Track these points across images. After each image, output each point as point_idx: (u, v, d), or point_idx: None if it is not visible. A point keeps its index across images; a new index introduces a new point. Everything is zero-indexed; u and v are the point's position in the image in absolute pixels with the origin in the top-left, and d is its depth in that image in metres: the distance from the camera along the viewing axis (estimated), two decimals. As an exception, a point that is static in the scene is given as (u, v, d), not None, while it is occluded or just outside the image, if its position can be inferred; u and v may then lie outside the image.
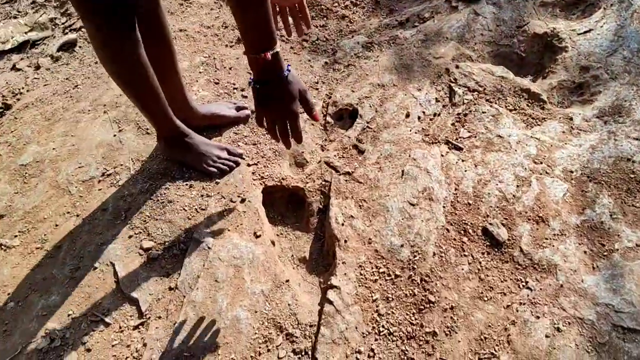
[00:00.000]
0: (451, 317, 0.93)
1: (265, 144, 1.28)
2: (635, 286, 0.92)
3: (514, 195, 1.09)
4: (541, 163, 1.15)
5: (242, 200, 1.13)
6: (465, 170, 1.16)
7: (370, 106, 1.35)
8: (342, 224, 1.08)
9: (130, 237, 1.09)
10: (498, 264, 0.99)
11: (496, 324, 0.91)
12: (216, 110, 1.28)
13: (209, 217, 1.10)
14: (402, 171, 1.16)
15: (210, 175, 1.19)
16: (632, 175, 1.09)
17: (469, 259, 1.00)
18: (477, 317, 0.92)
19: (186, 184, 1.18)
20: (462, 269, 0.99)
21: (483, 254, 1.01)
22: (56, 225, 1.13)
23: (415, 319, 0.93)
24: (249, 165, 1.22)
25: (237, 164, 1.21)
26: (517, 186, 1.11)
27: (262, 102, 0.82)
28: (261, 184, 1.19)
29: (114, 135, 1.31)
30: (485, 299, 0.95)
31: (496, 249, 1.01)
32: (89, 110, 1.41)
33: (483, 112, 1.28)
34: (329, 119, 1.36)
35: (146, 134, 1.31)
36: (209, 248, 1.05)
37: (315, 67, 1.51)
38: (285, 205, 1.24)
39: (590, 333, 0.88)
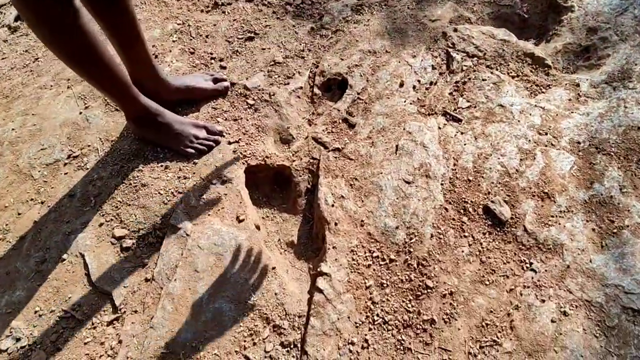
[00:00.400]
0: (450, 303, 0.86)
1: (247, 120, 1.17)
2: (646, 265, 0.86)
3: (517, 170, 1.01)
4: (546, 134, 1.06)
5: (223, 182, 1.04)
6: (465, 144, 1.07)
7: (361, 75, 1.24)
8: (332, 205, 1.00)
9: (101, 225, 1.00)
10: (500, 244, 0.92)
11: (498, 310, 0.85)
12: (191, 83, 1.16)
13: (186, 201, 1.01)
14: (397, 146, 1.07)
15: (187, 156, 1.08)
16: (643, 146, 1.01)
17: (469, 240, 0.93)
18: (478, 302, 0.86)
19: (161, 166, 1.08)
20: (462, 251, 0.92)
21: (484, 234, 0.94)
22: (19, 214, 1.04)
23: (412, 306, 0.87)
24: (229, 143, 1.12)
25: (217, 142, 1.11)
26: (521, 160, 1.02)
27: None
28: (243, 163, 1.09)
29: (80, 113, 1.19)
30: (487, 282, 0.88)
31: (498, 229, 0.94)
32: (52, 86, 1.28)
33: (483, 80, 1.18)
34: (316, 90, 1.25)
35: (115, 111, 1.19)
36: (187, 235, 0.96)
37: (301, 34, 1.38)
38: (271, 185, 1.15)
39: (599, 316, 0.83)
